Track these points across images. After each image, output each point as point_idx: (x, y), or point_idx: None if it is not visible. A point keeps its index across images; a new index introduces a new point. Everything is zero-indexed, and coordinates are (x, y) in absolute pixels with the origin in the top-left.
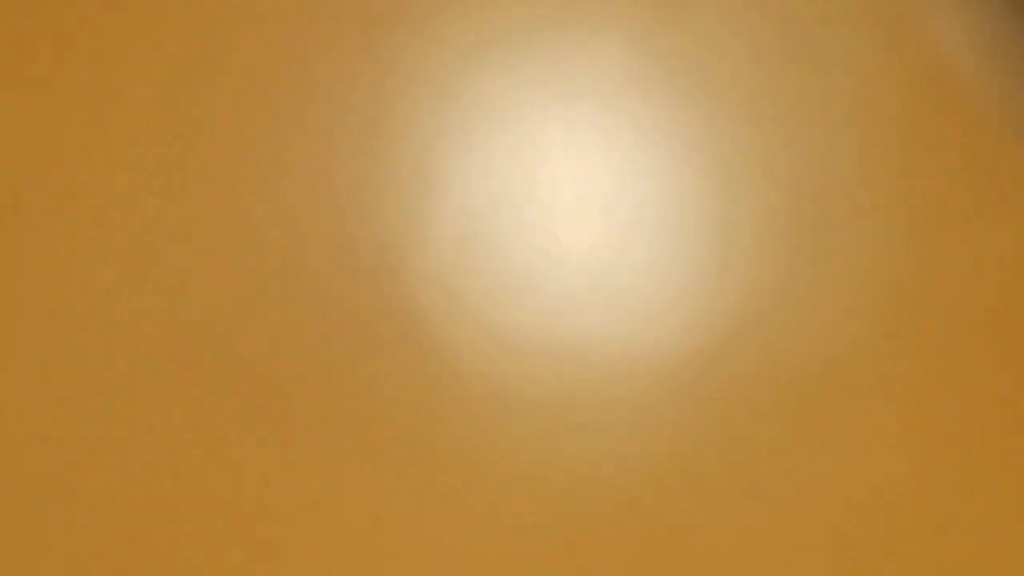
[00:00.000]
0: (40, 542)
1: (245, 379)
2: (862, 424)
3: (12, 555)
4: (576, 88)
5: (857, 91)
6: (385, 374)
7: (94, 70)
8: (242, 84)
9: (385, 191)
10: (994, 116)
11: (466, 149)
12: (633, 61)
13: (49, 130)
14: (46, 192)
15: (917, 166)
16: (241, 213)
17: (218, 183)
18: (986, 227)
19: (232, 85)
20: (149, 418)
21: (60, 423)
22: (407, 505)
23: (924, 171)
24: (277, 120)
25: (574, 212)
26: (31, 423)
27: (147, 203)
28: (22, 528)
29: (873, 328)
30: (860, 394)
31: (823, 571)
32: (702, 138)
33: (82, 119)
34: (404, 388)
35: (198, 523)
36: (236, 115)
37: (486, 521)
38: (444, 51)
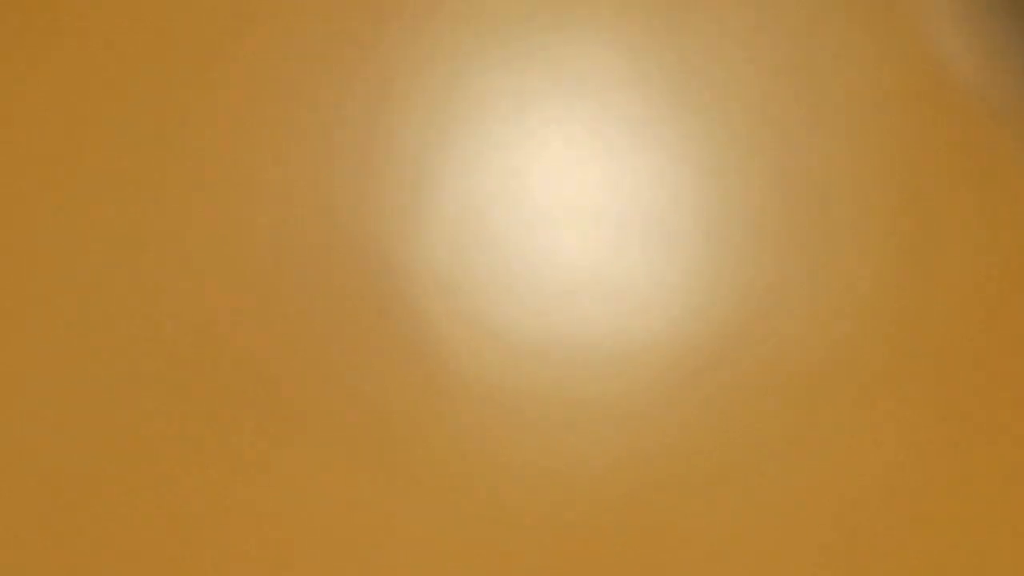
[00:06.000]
0: (34, 540)
1: (240, 376)
2: (858, 421)
3: (6, 554)
4: (572, 87)
5: (854, 89)
6: (379, 370)
7: (91, 68)
8: (239, 82)
9: (381, 188)
10: (993, 116)
11: (462, 147)
12: (630, 60)
13: (46, 127)
14: (44, 190)
15: (914, 164)
16: (237, 209)
17: (214, 180)
18: (983, 226)
19: (229, 83)
20: (145, 415)
21: (55, 420)
22: (403, 500)
23: (921, 168)
24: (273, 118)
25: (570, 210)
26: (26, 421)
27: (142, 198)
28: (16, 526)
29: (869, 326)
30: (855, 391)
31: (820, 565)
32: (698, 136)
33: (78, 116)
34: (399, 384)
35: (193, 519)
36: (232, 112)
37: (480, 517)
38: (441, 50)
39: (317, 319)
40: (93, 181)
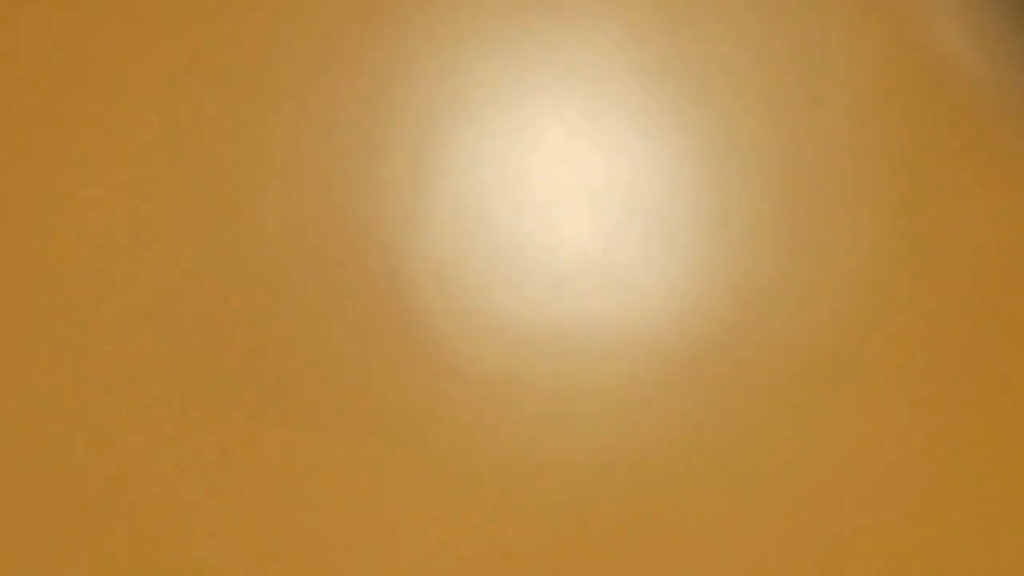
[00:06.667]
0: (35, 540)
1: (241, 372)
2: (856, 414)
3: (6, 554)
4: (571, 76)
5: (853, 81)
6: (379, 361)
7: (93, 65)
8: (238, 76)
9: (380, 179)
10: (993, 114)
11: (461, 137)
12: (628, 50)
13: (47, 127)
14: (45, 189)
15: (914, 155)
16: (236, 202)
17: (213, 174)
18: (984, 224)
19: (228, 77)
20: (145, 413)
21: (55, 419)
22: (402, 492)
23: (921, 162)
24: (272, 111)
25: (568, 200)
26: (26, 421)
27: (143, 196)
28: (16, 526)
29: (868, 319)
30: (854, 384)
31: (816, 558)
32: (697, 126)
33: (79, 115)
34: (398, 375)
35: (193, 516)
36: (231, 107)
37: (479, 508)
38: (439, 40)
39: (317, 313)
40: (93, 180)
